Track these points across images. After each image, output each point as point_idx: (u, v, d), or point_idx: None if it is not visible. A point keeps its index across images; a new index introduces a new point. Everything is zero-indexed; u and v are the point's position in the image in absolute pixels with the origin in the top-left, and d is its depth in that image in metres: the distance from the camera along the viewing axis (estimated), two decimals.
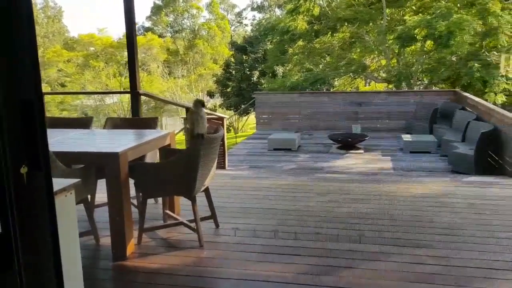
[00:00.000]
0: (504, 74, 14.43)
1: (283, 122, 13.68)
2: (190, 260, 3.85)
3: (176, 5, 45.19)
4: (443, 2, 15.75)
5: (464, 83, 15.34)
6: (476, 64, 14.46)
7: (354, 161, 9.34)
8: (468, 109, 10.49)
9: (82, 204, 3.93)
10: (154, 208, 5.07)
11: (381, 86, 23.04)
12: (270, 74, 25.67)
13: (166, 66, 40.95)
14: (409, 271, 3.52)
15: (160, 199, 5.05)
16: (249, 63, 28.65)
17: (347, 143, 10.70)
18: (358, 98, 13.64)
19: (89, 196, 4.16)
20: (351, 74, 20.36)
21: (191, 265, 3.77)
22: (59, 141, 4.38)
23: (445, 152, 9.01)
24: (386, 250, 3.93)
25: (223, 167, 7.50)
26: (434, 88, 18.42)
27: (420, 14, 16.53)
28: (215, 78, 33.26)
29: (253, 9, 46.51)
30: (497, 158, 7.59)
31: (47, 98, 26.39)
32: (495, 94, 14.48)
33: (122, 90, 29.82)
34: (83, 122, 5.47)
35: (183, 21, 45.89)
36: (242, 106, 25.93)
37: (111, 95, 32.00)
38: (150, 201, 4.84)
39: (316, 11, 19.37)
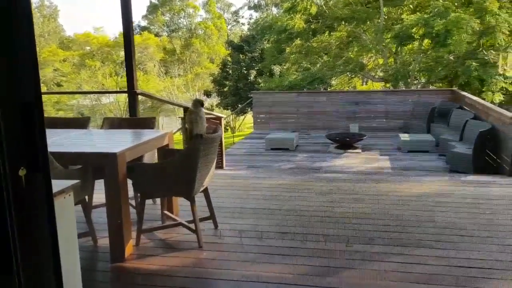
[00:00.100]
0: (501, 72, 14.43)
1: (280, 121, 13.64)
2: (189, 261, 3.82)
3: (173, 4, 45.14)
4: (441, 1, 15.74)
5: (462, 82, 15.34)
6: (473, 63, 14.46)
7: (352, 161, 9.32)
8: (465, 108, 10.48)
9: (79, 205, 3.89)
10: (152, 208, 5.04)
11: (378, 85, 23.04)
12: (268, 74, 25.63)
13: (163, 65, 40.91)
14: (409, 272, 3.50)
15: (158, 200, 5.02)
16: (246, 63, 28.58)
17: (345, 143, 10.68)
18: (356, 98, 13.62)
19: (86, 197, 4.12)
20: (348, 73, 20.34)
21: (190, 266, 3.74)
22: (56, 141, 4.34)
23: (443, 151, 9.00)
24: (386, 250, 3.91)
25: (221, 167, 7.47)
26: (431, 87, 18.43)
27: (417, 13, 16.51)
28: (212, 78, 33.20)
29: (249, 8, 46.49)
30: (495, 157, 7.57)
31: (43, 98, 26.19)
32: (493, 93, 14.48)
33: (118, 89, 29.76)
34: (80, 122, 5.43)
35: (179, 20, 45.86)
36: (239, 105, 25.88)
37: (107, 94, 31.91)
38: (148, 201, 4.80)
39: (314, 9, 19.32)
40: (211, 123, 6.40)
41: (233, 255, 3.89)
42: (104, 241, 4.03)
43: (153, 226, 4.44)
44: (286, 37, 20.23)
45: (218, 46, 42.56)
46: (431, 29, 14.69)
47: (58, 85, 35.08)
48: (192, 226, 4.09)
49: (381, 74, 20.37)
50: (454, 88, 13.40)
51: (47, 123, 4.78)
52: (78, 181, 2.34)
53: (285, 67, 23.65)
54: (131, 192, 4.19)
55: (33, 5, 43.62)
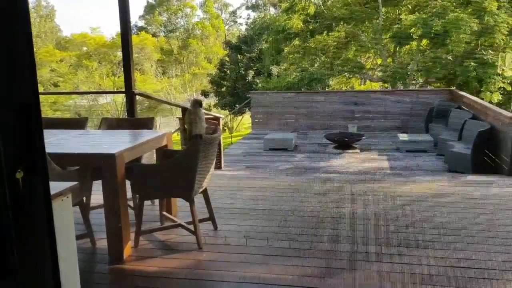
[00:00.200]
0: (500, 72, 14.42)
1: (279, 122, 13.61)
2: (189, 263, 3.79)
3: (170, 4, 45.08)
4: (439, 1, 15.74)
5: (460, 82, 15.33)
6: (472, 63, 14.44)
7: (351, 161, 9.30)
8: (464, 108, 10.46)
9: (77, 206, 3.85)
10: (151, 209, 5.01)
11: (377, 85, 23.03)
12: (266, 74, 25.61)
13: (160, 65, 40.88)
14: (410, 272, 3.47)
15: (157, 201, 4.98)
16: (244, 63, 28.58)
17: (344, 143, 10.65)
18: (354, 98, 13.59)
19: (84, 198, 4.08)
20: (346, 73, 20.32)
21: (190, 268, 3.70)
22: (54, 142, 4.30)
23: (442, 151, 8.98)
24: (386, 251, 3.87)
25: (219, 167, 7.44)
26: (429, 87, 18.42)
27: (416, 13, 16.49)
28: (209, 78, 33.19)
29: (247, 8, 46.51)
30: (493, 157, 7.56)
31: (40, 98, 26.20)
32: (491, 92, 14.47)
33: (116, 90, 29.71)
34: (77, 123, 5.39)
35: (176, 20, 45.80)
36: (237, 105, 25.87)
37: (104, 95, 31.88)
38: (147, 202, 4.76)
39: (312, 9, 19.30)
40: (210, 123, 6.37)
41: (233, 257, 3.86)
42: (102, 243, 3.99)
43: (152, 228, 4.40)
44: (284, 37, 20.20)
45: (216, 46, 42.55)
46: (429, 29, 14.67)
47: (55, 85, 35.03)
48: (191, 227, 4.06)
49: (379, 74, 20.35)
50: (452, 88, 13.37)
51: (44, 124, 4.74)
52: (76, 183, 2.30)
53: (283, 67, 23.63)
54: (129, 193, 4.16)
55: (30, 6, 43.44)
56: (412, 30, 15.89)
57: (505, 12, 14.86)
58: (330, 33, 19.81)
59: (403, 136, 10.40)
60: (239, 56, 29.19)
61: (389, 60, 19.60)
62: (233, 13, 50.10)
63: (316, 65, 21.23)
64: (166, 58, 41.66)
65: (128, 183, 3.98)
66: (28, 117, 1.36)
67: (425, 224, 4.51)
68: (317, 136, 11.97)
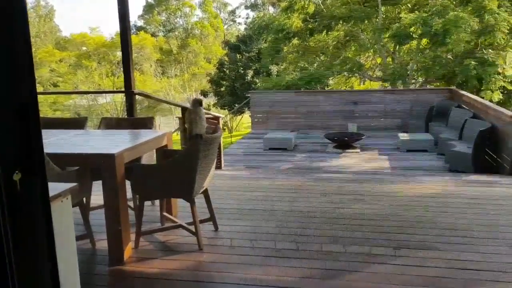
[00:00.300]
0: (501, 71, 14.38)
1: (278, 121, 13.57)
2: (189, 264, 3.75)
3: (169, 3, 45.04)
4: (439, 0, 15.70)
5: (460, 81, 15.29)
6: (472, 62, 14.41)
7: (351, 161, 9.26)
8: (464, 107, 10.42)
9: (77, 207, 3.82)
10: (151, 210, 4.97)
11: (376, 85, 23.00)
12: (265, 73, 25.58)
13: (159, 65, 40.86)
14: (413, 274, 3.43)
15: (157, 201, 4.94)
16: (243, 62, 28.55)
17: (344, 142, 10.62)
18: (354, 97, 13.55)
19: (84, 199, 4.05)
20: (345, 73, 20.28)
21: (191, 270, 3.67)
22: (53, 142, 4.27)
23: (442, 150, 8.94)
24: (388, 252, 3.83)
25: (219, 167, 7.40)
26: (429, 86, 18.39)
27: (416, 12, 16.46)
28: (208, 78, 33.16)
29: (246, 7, 46.48)
30: (495, 156, 7.52)
31: (39, 98, 26.04)
32: (492, 91, 14.44)
33: (115, 89, 29.69)
34: (77, 123, 5.35)
35: (175, 20, 45.77)
36: (236, 105, 25.83)
37: (103, 95, 31.88)
38: (147, 203, 4.72)
39: (311, 9, 19.26)
40: (210, 123, 6.33)
41: (234, 258, 3.82)
42: (102, 244, 3.95)
43: (152, 228, 4.37)
44: (284, 36, 20.16)
45: (215, 46, 42.51)
46: (429, 28, 14.64)
47: (55, 85, 35.03)
48: (192, 228, 4.02)
49: (379, 73, 20.32)
50: (453, 87, 13.34)
51: (44, 124, 4.71)
52: (75, 184, 2.26)
53: (282, 66, 23.59)
54: (129, 194, 4.12)
55: (29, 5, 43.60)
56: (412, 29, 15.85)
57: (506, 11, 14.83)
58: (329, 33, 19.77)
59: (403, 136, 10.37)
60: (238, 55, 29.17)
61: (389, 59, 19.57)
62: (232, 12, 50.07)
63: (315, 65, 21.19)
64: (165, 58, 41.64)
65: (128, 183, 3.95)
66: (26, 118, 1.33)
67: (428, 224, 4.48)
68: (317, 136, 11.92)
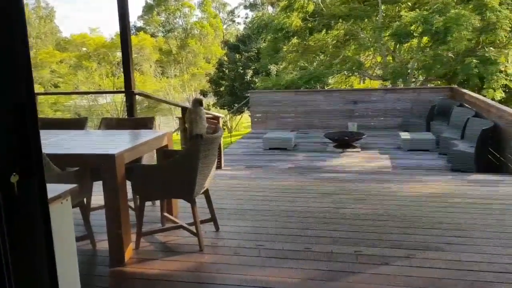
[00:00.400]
0: (503, 69, 14.33)
1: (278, 121, 13.54)
2: (190, 265, 3.72)
3: (168, 4, 45.01)
4: None
5: (461, 79, 15.24)
6: (474, 60, 14.35)
7: (352, 160, 9.23)
8: (466, 105, 10.38)
9: (77, 208, 3.79)
10: (152, 210, 4.95)
11: (377, 84, 22.95)
12: (264, 73, 25.54)
13: (159, 65, 40.84)
14: (416, 275, 3.39)
15: (157, 201, 4.91)
16: (243, 62, 28.53)
17: (344, 142, 10.58)
18: (354, 96, 13.51)
19: (84, 199, 4.02)
20: (345, 72, 20.23)
21: (192, 271, 3.64)
22: (53, 143, 4.24)
23: (444, 150, 8.90)
24: (393, 253, 3.80)
25: (219, 167, 7.37)
26: (430, 85, 18.33)
27: (416, 10, 16.39)
28: (208, 78, 33.13)
29: (245, 7, 46.44)
30: (498, 156, 7.49)
31: (40, 99, 26.24)
32: (494, 90, 14.38)
33: (115, 90, 29.68)
34: (77, 123, 5.33)
35: (175, 20, 45.74)
36: (236, 105, 25.80)
37: (104, 95, 31.88)
38: (147, 203, 4.68)
39: (310, 8, 19.21)
40: (210, 123, 6.30)
41: (235, 259, 3.79)
42: (103, 244, 3.93)
43: (153, 229, 4.34)
44: (283, 35, 20.10)
45: (214, 46, 42.48)
46: (430, 26, 14.58)
47: (55, 86, 35.05)
48: (193, 228, 3.99)
49: (379, 72, 20.27)
50: (454, 86, 13.29)
51: (44, 124, 4.70)
52: (75, 185, 2.23)
53: (281, 66, 23.54)
54: (130, 194, 4.09)
55: (29, 7, 43.59)
56: (413, 27, 15.80)
57: (507, 8, 14.75)
58: (329, 31, 19.72)
59: (404, 135, 10.32)
60: (237, 55, 29.14)
61: (389, 58, 19.52)
62: (231, 12, 50.03)
63: (315, 64, 21.13)
64: (165, 58, 41.62)
65: (128, 184, 3.92)
66: (23, 118, 1.29)
67: (431, 225, 4.44)
68: (317, 135, 11.88)
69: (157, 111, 31.74)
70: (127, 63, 6.59)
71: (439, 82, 18.02)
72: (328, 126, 12.83)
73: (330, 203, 5.25)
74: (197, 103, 4.13)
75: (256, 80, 26.45)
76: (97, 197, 4.14)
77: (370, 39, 18.74)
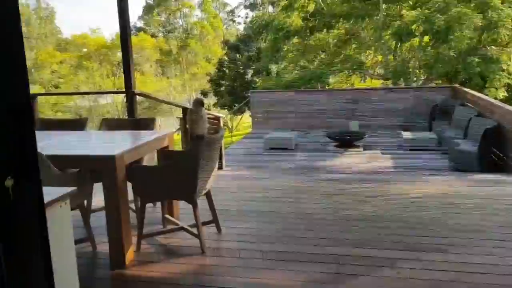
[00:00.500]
0: (505, 68, 14.27)
1: (279, 121, 13.49)
2: (192, 268, 3.67)
3: (168, 4, 44.98)
4: None
5: (463, 78, 15.18)
6: (476, 59, 14.29)
7: (354, 160, 9.17)
8: (468, 104, 10.31)
9: (77, 210, 3.74)
10: (152, 212, 4.90)
11: (378, 83, 22.87)
12: (265, 73, 25.49)
13: (159, 66, 40.82)
14: (422, 278, 3.33)
15: (158, 202, 4.86)
16: (243, 62, 28.49)
17: (346, 141, 10.53)
18: (355, 95, 13.45)
19: (85, 201, 3.97)
20: (346, 71, 20.17)
21: (193, 274, 3.59)
22: (53, 143, 4.20)
23: (447, 149, 8.84)
24: (398, 255, 3.74)
25: (221, 167, 7.32)
26: (430, 84, 18.26)
27: (418, 9, 16.33)
28: (208, 77, 33.09)
29: (245, 7, 46.36)
30: (501, 155, 7.43)
31: (41, 99, 26.21)
32: (496, 89, 14.31)
33: (116, 90, 29.65)
34: (78, 124, 5.29)
35: (175, 21, 45.72)
36: (236, 105, 25.76)
37: (105, 95, 31.85)
38: (148, 204, 4.64)
39: (311, 7, 19.16)
40: (211, 123, 6.26)
41: (238, 261, 3.74)
42: (104, 247, 3.87)
43: (154, 231, 4.28)
44: (284, 35, 20.05)
45: (215, 46, 42.43)
46: (432, 25, 14.52)
47: (56, 86, 35.03)
48: (195, 230, 3.95)
49: (380, 71, 20.20)
50: (456, 85, 13.21)
51: (44, 125, 4.65)
52: (74, 188, 2.18)
53: (282, 65, 23.48)
54: (130, 195, 4.04)
55: (30, 7, 43.55)
56: (414, 26, 15.73)
57: (509, 7, 14.68)
58: (329, 31, 19.66)
59: (406, 134, 10.27)
60: (237, 55, 29.10)
61: (391, 57, 19.44)
62: (231, 12, 49.97)
63: (315, 63, 21.08)
64: (165, 59, 41.58)
65: (129, 185, 3.87)
66: (19, 120, 1.24)
67: (434, 226, 4.38)
68: (318, 135, 11.84)
69: (157, 112, 31.72)
70: (127, 63, 6.55)
71: (440, 81, 17.94)
72: (329, 125, 12.76)
73: (333, 204, 5.21)
74: (198, 103, 4.09)
75: (257, 80, 26.42)
76: (98, 198, 4.09)
77: (371, 38, 18.68)
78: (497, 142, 7.54)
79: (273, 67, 24.70)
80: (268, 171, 8.16)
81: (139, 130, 4.94)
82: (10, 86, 1.25)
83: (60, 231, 2.05)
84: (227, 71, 29.14)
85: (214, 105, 31.45)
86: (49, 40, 44.32)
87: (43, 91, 28.94)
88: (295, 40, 20.61)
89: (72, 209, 2.34)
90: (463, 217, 4.62)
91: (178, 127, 7.65)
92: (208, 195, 4.12)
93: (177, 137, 9.29)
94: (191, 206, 3.84)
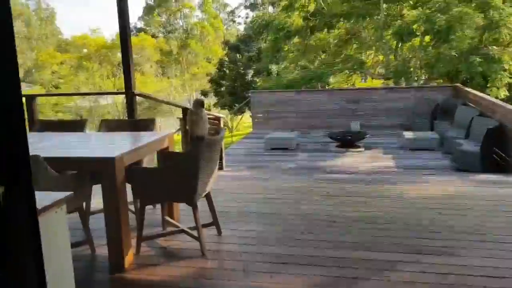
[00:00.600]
0: (507, 68, 14.21)
1: (279, 121, 13.44)
2: (192, 271, 3.62)
3: (168, 5, 44.98)
4: None
5: (464, 78, 15.12)
6: (477, 59, 14.23)
7: (355, 160, 9.12)
8: (470, 104, 10.25)
9: (76, 212, 3.69)
10: (152, 213, 4.85)
11: (379, 83, 22.82)
12: (265, 73, 25.45)
13: (160, 66, 40.82)
14: (425, 282, 3.28)
15: (158, 204, 4.81)
16: (243, 62, 28.45)
17: (347, 141, 10.48)
18: (356, 95, 13.40)
19: (83, 203, 3.92)
20: (347, 71, 20.12)
21: (194, 277, 3.54)
22: (51, 145, 4.15)
23: (449, 149, 8.79)
24: (398, 258, 3.69)
25: (221, 168, 7.26)
26: (432, 84, 18.20)
27: (418, 8, 16.28)
28: (209, 78, 33.06)
29: (246, 7, 46.35)
30: (504, 155, 7.38)
31: (41, 100, 26.19)
32: (498, 88, 14.26)
33: (116, 91, 29.62)
34: (77, 125, 5.24)
35: (175, 21, 45.72)
36: (236, 105, 25.71)
37: (105, 96, 31.83)
38: (148, 206, 4.59)
39: (312, 7, 19.11)
40: (211, 123, 6.21)
41: (238, 264, 3.68)
42: (102, 249, 3.83)
43: (154, 233, 4.23)
44: (284, 35, 20.00)
45: (215, 46, 42.43)
46: (433, 25, 14.46)
47: (56, 87, 35.04)
48: (195, 233, 3.90)
49: (381, 71, 20.14)
50: (457, 84, 13.15)
51: (42, 126, 4.60)
52: (70, 193, 2.12)
53: (282, 65, 23.43)
54: (130, 197, 3.99)
55: (30, 8, 43.57)
56: (415, 26, 15.68)
57: (511, 6, 14.63)
58: (330, 30, 19.61)
59: (408, 134, 10.21)
60: (238, 55, 29.07)
61: (392, 57, 19.39)
62: (232, 12, 49.97)
63: (316, 63, 21.03)
64: (166, 59, 41.59)
65: (128, 187, 3.82)
66: (9, 122, 1.19)
67: (439, 227, 4.33)
68: (319, 135, 11.80)
69: (157, 112, 31.69)
70: (127, 64, 6.50)
71: (441, 81, 17.88)
72: (330, 125, 12.71)
73: (334, 206, 5.15)
74: (198, 104, 4.04)
75: (257, 80, 26.37)
76: (97, 200, 4.04)
77: (372, 38, 18.62)
78: (499, 142, 7.48)
79: (274, 67, 24.66)
80: (268, 171, 8.11)
81: (139, 131, 4.88)
82: (0, 88, 1.20)
83: (55, 238, 2.00)
84: (227, 71, 29.10)
85: (215, 105, 31.41)
86: (50, 41, 44.35)
87: (43, 92, 28.93)
88: (295, 40, 20.56)
89: (70, 212, 2.30)
90: (464, 218, 4.57)
91: (178, 127, 7.61)
92: (208, 196, 4.07)
93: (177, 137, 9.24)
94: (191, 208, 3.79)
